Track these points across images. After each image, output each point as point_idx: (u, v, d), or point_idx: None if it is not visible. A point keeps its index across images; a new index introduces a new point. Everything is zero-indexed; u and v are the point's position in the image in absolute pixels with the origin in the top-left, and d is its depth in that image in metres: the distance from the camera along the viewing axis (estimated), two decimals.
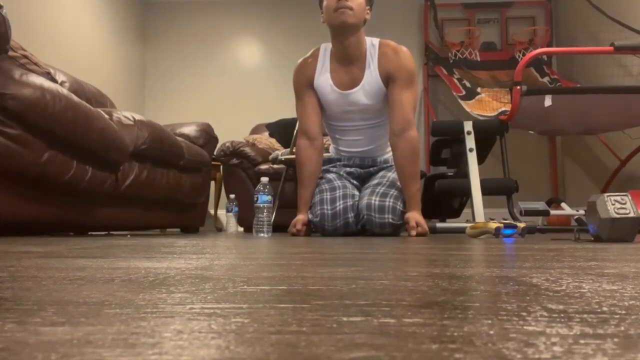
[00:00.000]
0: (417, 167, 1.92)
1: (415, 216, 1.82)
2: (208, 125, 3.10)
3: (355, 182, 2.08)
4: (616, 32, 3.11)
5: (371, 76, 1.96)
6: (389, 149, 2.06)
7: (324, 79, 2.00)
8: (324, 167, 2.13)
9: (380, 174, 2.06)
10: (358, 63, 1.97)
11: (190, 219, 2.89)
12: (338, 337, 0.20)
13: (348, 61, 1.97)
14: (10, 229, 1.68)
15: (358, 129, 2.07)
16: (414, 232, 1.76)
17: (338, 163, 2.15)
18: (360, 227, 1.91)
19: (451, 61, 3.94)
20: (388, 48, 1.97)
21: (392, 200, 1.87)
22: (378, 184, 1.96)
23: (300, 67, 2.06)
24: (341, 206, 1.89)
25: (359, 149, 2.11)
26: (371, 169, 2.11)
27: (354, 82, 1.97)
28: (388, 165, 2.12)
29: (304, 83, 2.04)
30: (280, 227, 2.52)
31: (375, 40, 1.99)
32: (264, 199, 1.91)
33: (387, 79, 1.95)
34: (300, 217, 1.93)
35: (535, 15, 4.25)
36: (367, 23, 1.99)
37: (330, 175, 2.07)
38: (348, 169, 2.11)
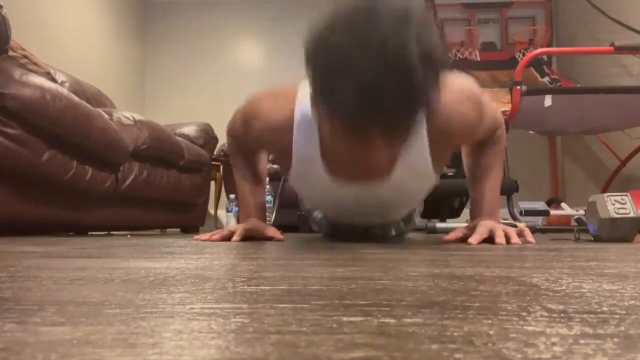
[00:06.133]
0: (494, 159, 1.21)
1: (488, 224, 1.09)
2: (208, 125, 3.10)
3: None
4: (616, 32, 3.11)
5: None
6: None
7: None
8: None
9: None
10: None
11: (190, 219, 2.89)
12: (338, 337, 0.20)
13: None
14: (10, 229, 1.68)
15: (366, 218, 1.30)
16: (474, 242, 1.03)
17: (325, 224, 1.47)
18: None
19: (451, 61, 3.95)
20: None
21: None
22: None
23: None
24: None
25: (359, 222, 1.36)
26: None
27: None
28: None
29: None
30: (280, 227, 2.52)
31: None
32: None
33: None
34: (273, 230, 1.27)
35: (535, 15, 4.25)
36: None
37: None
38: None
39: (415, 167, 1.03)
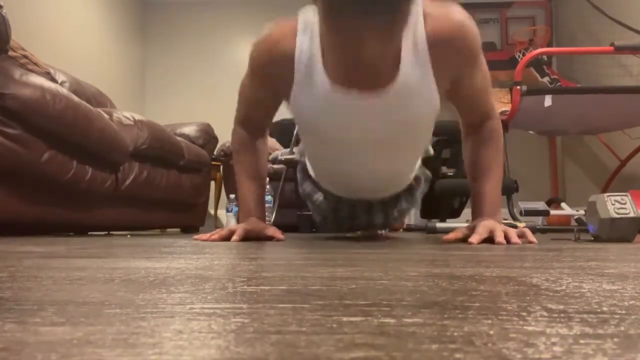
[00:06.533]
0: (492, 157, 1.19)
1: (489, 224, 1.08)
2: (208, 125, 3.10)
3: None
4: (616, 32, 3.11)
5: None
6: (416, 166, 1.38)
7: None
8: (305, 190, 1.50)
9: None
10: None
11: (190, 219, 2.89)
12: (338, 337, 0.20)
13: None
14: (10, 229, 1.68)
15: (367, 162, 1.22)
16: (474, 242, 1.01)
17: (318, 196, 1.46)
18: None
19: None
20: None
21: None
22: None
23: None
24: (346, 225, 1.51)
25: (360, 191, 1.35)
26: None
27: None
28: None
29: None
30: (280, 227, 2.52)
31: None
32: None
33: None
34: (273, 229, 1.27)
35: (535, 15, 4.25)
36: None
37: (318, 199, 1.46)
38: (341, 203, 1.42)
39: (416, 77, 1.03)
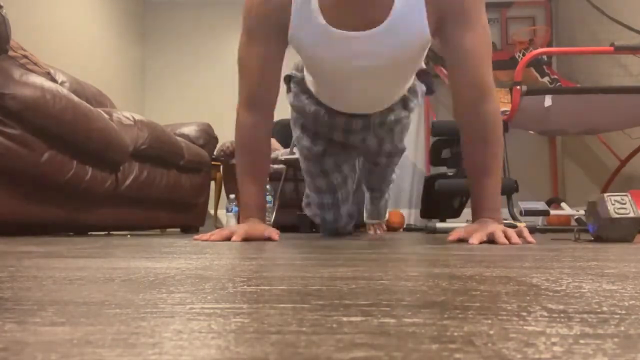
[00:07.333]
0: (490, 156, 1.17)
1: (489, 225, 1.08)
2: (208, 125, 3.10)
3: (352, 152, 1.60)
4: (616, 32, 3.11)
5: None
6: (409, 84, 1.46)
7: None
8: (302, 120, 1.57)
9: (384, 162, 1.62)
10: None
11: (190, 219, 2.89)
12: (338, 337, 0.20)
13: None
14: (10, 229, 1.68)
15: (365, 87, 1.33)
16: (475, 242, 1.02)
17: (322, 116, 1.49)
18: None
19: None
20: None
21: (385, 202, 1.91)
22: (378, 194, 1.86)
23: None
24: (344, 214, 1.66)
25: (357, 108, 1.45)
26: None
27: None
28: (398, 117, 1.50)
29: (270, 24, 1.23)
30: (280, 227, 2.52)
31: None
32: None
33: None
34: (272, 231, 1.24)
35: (535, 15, 4.25)
36: None
37: (319, 149, 1.54)
38: (337, 133, 1.50)
39: (409, 11, 1.11)
